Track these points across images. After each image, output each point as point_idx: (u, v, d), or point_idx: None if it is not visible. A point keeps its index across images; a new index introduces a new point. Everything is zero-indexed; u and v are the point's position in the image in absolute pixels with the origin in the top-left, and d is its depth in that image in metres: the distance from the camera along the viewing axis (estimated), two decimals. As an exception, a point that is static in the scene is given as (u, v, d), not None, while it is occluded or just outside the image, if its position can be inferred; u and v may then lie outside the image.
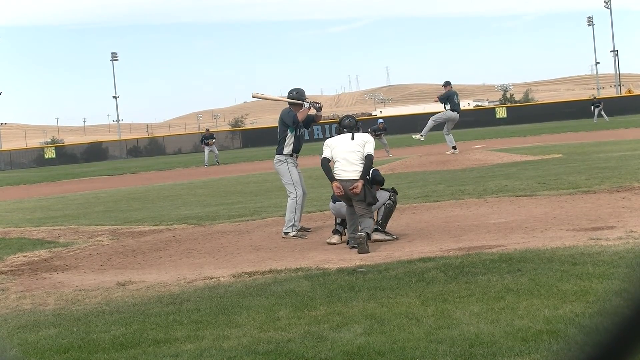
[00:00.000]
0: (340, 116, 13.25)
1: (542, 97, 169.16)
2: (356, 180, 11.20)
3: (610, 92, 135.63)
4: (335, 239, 11.83)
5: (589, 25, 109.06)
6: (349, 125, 11.89)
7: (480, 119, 78.90)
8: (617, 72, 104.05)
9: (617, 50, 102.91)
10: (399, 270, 8.65)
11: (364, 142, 11.52)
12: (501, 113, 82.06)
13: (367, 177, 11.38)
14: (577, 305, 6.43)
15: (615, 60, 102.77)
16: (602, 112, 63.52)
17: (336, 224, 12.08)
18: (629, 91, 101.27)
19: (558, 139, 41.71)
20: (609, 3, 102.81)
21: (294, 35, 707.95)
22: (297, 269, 9.50)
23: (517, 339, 5.70)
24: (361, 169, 11.28)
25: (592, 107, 66.24)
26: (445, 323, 6.31)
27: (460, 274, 8.12)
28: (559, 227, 11.15)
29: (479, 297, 7.10)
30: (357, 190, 11.13)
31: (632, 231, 10.03)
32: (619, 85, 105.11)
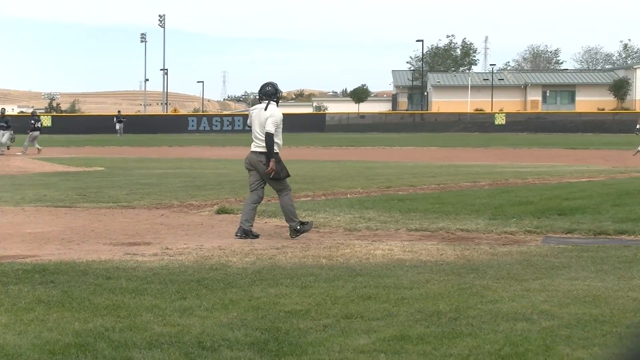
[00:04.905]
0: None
1: (89, 109, 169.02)
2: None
3: (157, 109, 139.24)
4: None
5: (142, 41, 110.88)
6: (268, 93, 11.56)
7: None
8: (165, 90, 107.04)
9: (167, 69, 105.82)
10: None
11: (266, 117, 11.35)
12: (47, 122, 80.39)
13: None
14: (108, 319, 6.49)
15: (164, 79, 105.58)
16: (122, 128, 65.93)
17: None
18: (175, 110, 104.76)
19: (101, 152, 41.95)
20: (163, 22, 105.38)
21: None
22: None
23: (44, 352, 5.61)
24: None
25: (115, 120, 68.34)
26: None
27: (-9, 284, 7.82)
28: (97, 240, 11.20)
29: (8, 307, 6.91)
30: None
31: (167, 248, 10.36)
32: (166, 103, 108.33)
